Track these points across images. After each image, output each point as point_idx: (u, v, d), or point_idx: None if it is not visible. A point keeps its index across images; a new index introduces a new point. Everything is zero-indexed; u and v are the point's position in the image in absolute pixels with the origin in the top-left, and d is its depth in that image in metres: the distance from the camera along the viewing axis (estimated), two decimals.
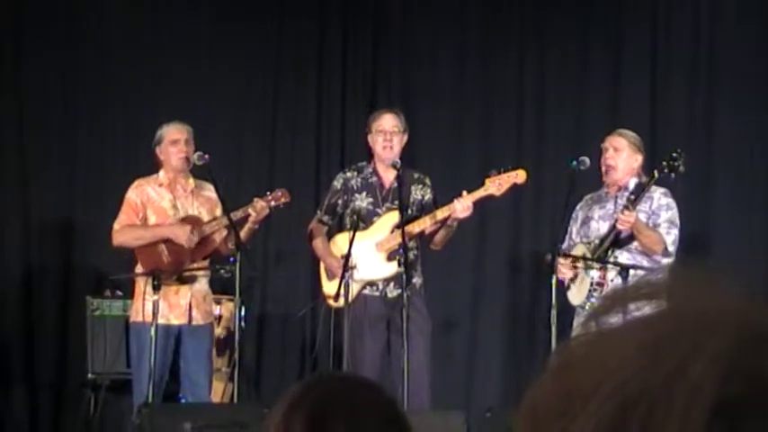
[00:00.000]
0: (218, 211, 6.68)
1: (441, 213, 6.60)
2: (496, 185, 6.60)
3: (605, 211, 6.52)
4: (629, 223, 6.22)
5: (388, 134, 6.71)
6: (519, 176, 6.65)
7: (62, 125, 8.42)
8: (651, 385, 0.65)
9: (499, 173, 6.63)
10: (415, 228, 6.63)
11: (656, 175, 6.27)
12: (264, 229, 7.14)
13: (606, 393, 0.66)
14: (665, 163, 6.27)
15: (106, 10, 8.44)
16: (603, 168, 6.51)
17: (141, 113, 8.39)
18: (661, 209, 6.43)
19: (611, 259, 6.36)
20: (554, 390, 0.70)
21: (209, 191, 6.75)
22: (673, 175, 6.27)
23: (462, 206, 6.51)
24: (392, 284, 6.65)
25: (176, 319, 6.65)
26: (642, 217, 6.36)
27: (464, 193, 6.58)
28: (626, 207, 6.25)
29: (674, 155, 6.26)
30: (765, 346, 0.67)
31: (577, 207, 6.70)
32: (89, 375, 7.41)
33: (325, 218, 6.88)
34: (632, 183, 6.46)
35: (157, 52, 8.50)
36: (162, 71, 8.51)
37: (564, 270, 6.42)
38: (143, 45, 8.47)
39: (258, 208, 6.60)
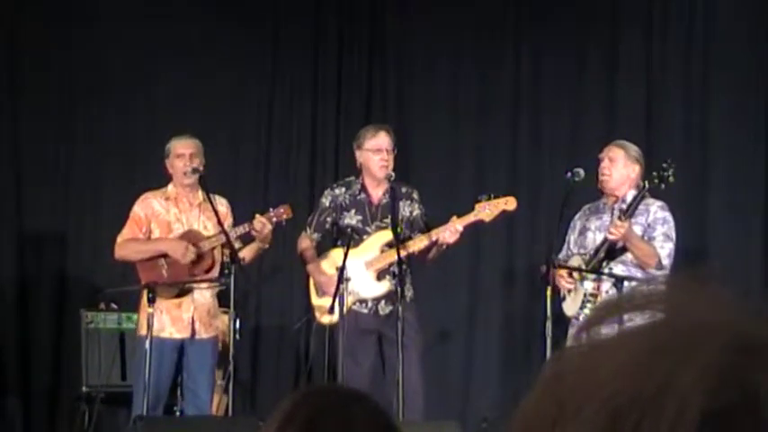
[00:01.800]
0: (227, 225, 6.68)
1: (433, 236, 6.60)
2: (486, 211, 6.61)
3: (602, 222, 6.52)
4: (619, 234, 6.23)
5: (385, 152, 6.69)
6: (509, 203, 6.67)
7: (56, 136, 8.42)
8: (641, 396, 0.65)
9: (489, 198, 6.64)
10: (407, 249, 6.63)
11: (647, 185, 6.30)
12: None
13: (597, 404, 0.66)
14: (654, 173, 6.31)
15: (102, 21, 8.44)
16: (599, 179, 6.53)
17: (137, 127, 8.40)
18: (657, 222, 6.43)
19: (606, 270, 6.36)
20: (546, 400, 0.70)
21: (220, 205, 6.76)
22: (663, 185, 6.30)
23: (451, 231, 6.52)
24: (383, 302, 6.65)
25: (179, 333, 6.65)
26: (638, 230, 6.37)
27: (454, 217, 6.58)
28: (618, 218, 6.27)
29: (664, 165, 6.30)
30: (755, 358, 0.66)
31: (575, 217, 6.70)
32: (83, 388, 7.40)
33: (315, 235, 6.83)
34: (630, 194, 6.46)
35: (153, 63, 8.51)
36: (156, 81, 8.51)
37: (563, 282, 6.42)
38: (139, 60, 8.47)
39: (258, 225, 6.60)
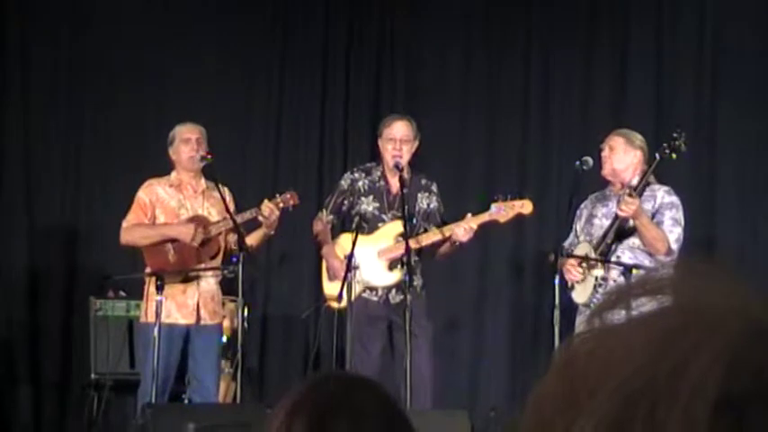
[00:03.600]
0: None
1: (446, 232, 6.61)
2: (502, 213, 6.61)
3: (608, 209, 6.49)
4: (630, 210, 6.17)
5: (398, 143, 6.69)
6: (525, 207, 6.67)
7: (66, 127, 8.43)
8: (655, 381, 0.65)
9: (506, 199, 6.63)
10: (420, 242, 6.64)
11: (658, 158, 6.26)
12: None
13: (610, 389, 0.66)
14: (665, 144, 6.27)
15: (110, 12, 8.44)
16: (602, 167, 6.51)
17: (145, 116, 8.41)
18: (664, 207, 6.40)
19: (614, 257, 6.34)
20: (559, 386, 0.69)
21: (224, 193, 6.77)
22: (674, 155, 6.25)
23: (465, 229, 6.52)
24: (394, 291, 6.65)
25: (184, 319, 6.67)
26: None
27: (468, 215, 6.58)
28: (629, 194, 6.21)
29: (674, 135, 6.27)
30: None
31: (582, 205, 6.68)
32: (92, 376, 7.42)
33: (330, 218, 6.86)
34: (636, 181, 6.44)
35: (161, 54, 8.52)
36: (165, 73, 8.52)
37: (573, 272, 6.39)
38: (147, 53, 8.48)
39: (266, 211, 6.61)
